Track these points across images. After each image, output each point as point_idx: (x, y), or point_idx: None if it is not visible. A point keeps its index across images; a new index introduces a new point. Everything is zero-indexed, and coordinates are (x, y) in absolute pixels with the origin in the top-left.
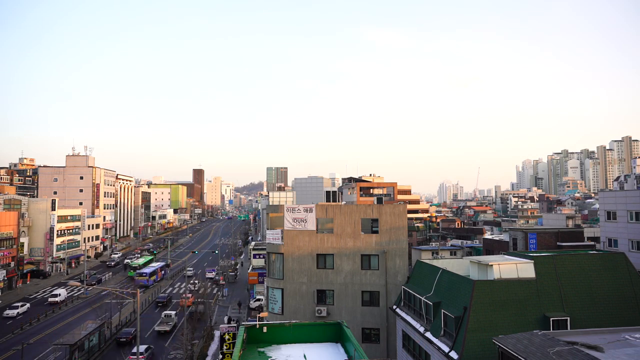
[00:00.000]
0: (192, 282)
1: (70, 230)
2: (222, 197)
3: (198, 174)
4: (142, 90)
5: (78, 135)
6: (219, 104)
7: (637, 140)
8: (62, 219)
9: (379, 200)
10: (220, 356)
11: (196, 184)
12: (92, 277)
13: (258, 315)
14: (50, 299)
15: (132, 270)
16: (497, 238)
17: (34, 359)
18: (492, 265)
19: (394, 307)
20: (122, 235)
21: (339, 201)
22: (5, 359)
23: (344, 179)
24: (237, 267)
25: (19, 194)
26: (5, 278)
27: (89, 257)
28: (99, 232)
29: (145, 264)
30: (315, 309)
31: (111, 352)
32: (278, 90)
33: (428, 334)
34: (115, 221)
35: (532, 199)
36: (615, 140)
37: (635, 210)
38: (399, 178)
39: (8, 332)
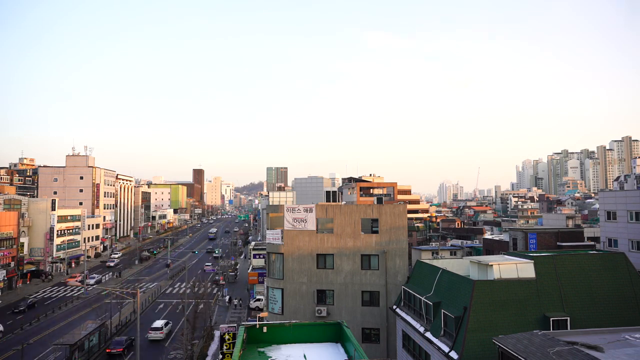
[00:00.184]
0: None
1: (70, 230)
2: (222, 197)
3: (198, 174)
4: (142, 90)
5: (78, 135)
6: (219, 104)
7: (637, 140)
8: (62, 219)
9: (379, 200)
10: (220, 356)
11: (196, 184)
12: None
13: (258, 315)
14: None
15: None
16: (497, 238)
17: (34, 359)
18: (492, 265)
19: (394, 307)
20: (122, 235)
21: (339, 201)
22: (5, 359)
23: (344, 179)
24: (237, 267)
25: (19, 194)
26: (5, 278)
27: (89, 257)
28: (99, 232)
29: None
30: (315, 309)
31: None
32: (278, 90)
33: (428, 334)
34: (115, 221)
35: (532, 199)
36: (615, 140)
37: (635, 210)
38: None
39: (8, 332)
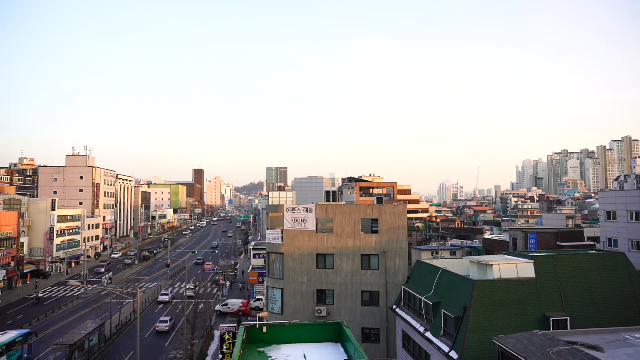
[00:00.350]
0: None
1: (70, 230)
2: (222, 197)
3: (198, 174)
4: (142, 90)
5: (78, 135)
6: (219, 104)
7: (637, 140)
8: (62, 219)
9: (379, 200)
10: (220, 356)
11: (196, 184)
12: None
13: (258, 315)
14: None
15: None
16: (497, 238)
17: (34, 359)
18: (492, 265)
19: (394, 307)
20: (122, 235)
21: (339, 201)
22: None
23: (344, 179)
24: (237, 266)
25: (19, 194)
26: (5, 278)
27: (89, 257)
28: (99, 232)
29: None
30: (315, 309)
31: (111, 352)
32: (278, 91)
33: (428, 334)
34: (115, 221)
35: (532, 199)
36: (615, 140)
37: (635, 210)
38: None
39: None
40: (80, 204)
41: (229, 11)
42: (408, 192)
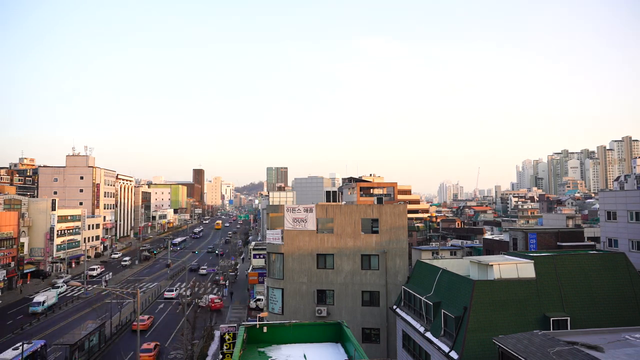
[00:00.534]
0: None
1: (71, 230)
2: (222, 197)
3: (198, 174)
4: (142, 90)
5: (78, 135)
6: (219, 104)
7: (637, 140)
8: (62, 219)
9: (379, 200)
10: (220, 356)
11: (196, 184)
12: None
13: (258, 315)
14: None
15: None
16: (497, 238)
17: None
18: (492, 265)
19: (394, 307)
20: (122, 235)
21: (339, 201)
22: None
23: (344, 179)
24: (237, 266)
25: (19, 194)
26: (6, 278)
27: (89, 257)
28: (99, 232)
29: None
30: (316, 309)
31: (111, 352)
32: (278, 91)
33: (428, 334)
34: (116, 221)
35: (532, 199)
36: (615, 140)
37: (635, 210)
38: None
39: (8, 332)
40: (81, 204)
41: (229, 11)
42: (408, 192)
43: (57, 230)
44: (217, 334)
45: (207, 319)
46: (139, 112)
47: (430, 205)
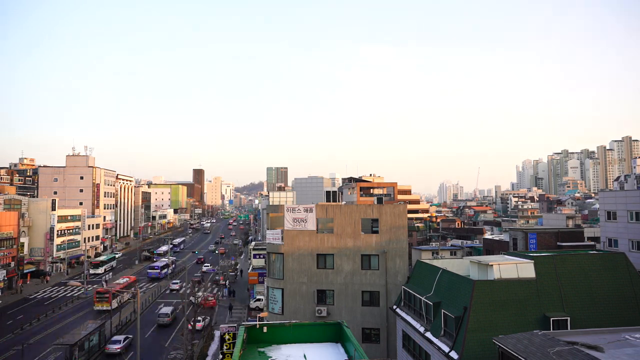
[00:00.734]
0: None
1: (71, 230)
2: (222, 197)
3: (198, 174)
4: (142, 90)
5: (78, 135)
6: (219, 104)
7: (637, 140)
8: (62, 219)
9: (379, 200)
10: (220, 356)
11: (196, 184)
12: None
13: (258, 315)
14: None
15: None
16: (497, 238)
17: (34, 359)
18: (492, 265)
19: (394, 307)
20: (122, 235)
21: (339, 201)
22: (5, 359)
23: (344, 179)
24: (237, 266)
25: (19, 194)
26: (6, 278)
27: (89, 257)
28: (99, 232)
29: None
30: (316, 309)
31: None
32: (278, 91)
33: (428, 334)
34: (116, 221)
35: (532, 199)
36: (615, 140)
37: (635, 210)
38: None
39: (8, 332)
40: (81, 204)
41: (229, 11)
42: (408, 192)
43: (57, 230)
44: (217, 334)
45: (206, 317)
46: (139, 112)
47: (430, 205)
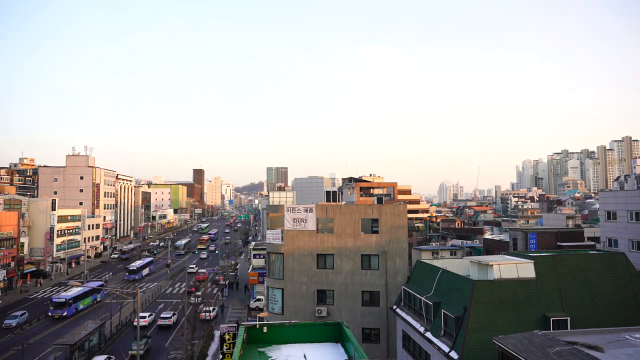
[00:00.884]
0: (192, 281)
1: (71, 230)
2: (222, 197)
3: (198, 174)
4: (142, 90)
5: (78, 135)
6: (219, 104)
7: (637, 140)
8: (62, 219)
9: (379, 200)
10: (220, 356)
11: (196, 184)
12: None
13: (258, 315)
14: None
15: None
16: (497, 238)
17: (34, 359)
18: (492, 265)
19: (394, 307)
20: (122, 235)
21: (339, 201)
22: (5, 359)
23: (344, 179)
24: (237, 266)
25: (19, 194)
26: (5, 278)
27: (89, 257)
28: (99, 232)
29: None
30: (316, 309)
31: (111, 352)
32: (278, 91)
33: (428, 334)
34: (116, 221)
35: (532, 199)
36: (615, 140)
37: (635, 210)
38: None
39: (8, 332)
40: (81, 204)
41: (229, 12)
42: (408, 192)
43: (57, 230)
44: (217, 334)
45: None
46: (139, 112)
47: (430, 205)
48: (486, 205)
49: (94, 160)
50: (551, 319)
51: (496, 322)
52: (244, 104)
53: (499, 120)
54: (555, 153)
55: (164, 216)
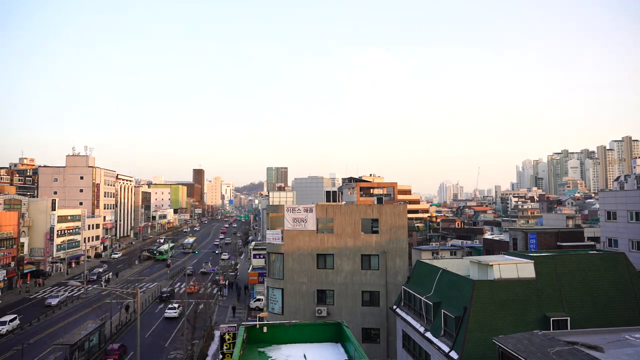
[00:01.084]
0: (192, 282)
1: (71, 230)
2: (222, 197)
3: (198, 174)
4: (142, 90)
5: (78, 135)
6: (219, 105)
7: (637, 140)
8: (62, 219)
9: (379, 200)
10: (220, 356)
11: (196, 184)
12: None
13: (258, 315)
14: None
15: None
16: (497, 238)
17: (34, 359)
18: (492, 265)
19: (394, 307)
20: (122, 235)
21: (339, 201)
22: (5, 359)
23: (344, 179)
24: (237, 266)
25: (19, 194)
26: (6, 278)
27: (89, 257)
28: (99, 232)
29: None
30: (316, 309)
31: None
32: (278, 92)
33: (428, 334)
34: (116, 221)
35: (532, 199)
36: (615, 140)
37: (635, 210)
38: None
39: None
40: (80, 204)
41: (229, 12)
42: (408, 192)
43: (57, 230)
44: (217, 334)
45: (207, 318)
46: (139, 112)
47: (430, 205)
48: (486, 205)
49: (94, 160)
50: (551, 319)
51: (496, 322)
52: (244, 104)
53: (499, 120)
54: (555, 153)
55: (164, 216)
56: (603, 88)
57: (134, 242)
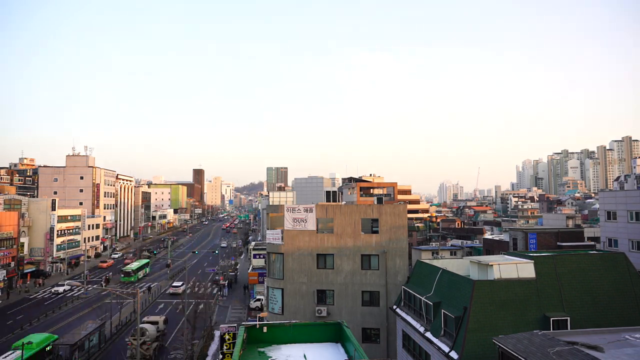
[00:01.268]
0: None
1: (71, 230)
2: (222, 197)
3: (198, 174)
4: (142, 90)
5: (78, 135)
6: (220, 104)
7: (637, 140)
8: (62, 219)
9: (379, 200)
10: (220, 356)
11: (196, 184)
12: None
13: (258, 315)
14: None
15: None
16: (497, 238)
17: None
18: (492, 265)
19: (394, 307)
20: (122, 235)
21: (339, 201)
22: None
23: (344, 179)
24: (237, 266)
25: (19, 194)
26: (6, 278)
27: (89, 257)
28: (99, 232)
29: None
30: (316, 309)
31: (111, 352)
32: (278, 92)
33: (428, 334)
34: (116, 221)
35: (532, 199)
36: (615, 140)
37: (635, 210)
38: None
39: (8, 332)
40: (81, 204)
41: (229, 12)
42: (408, 192)
43: (57, 230)
44: (217, 334)
45: (207, 318)
46: (139, 112)
47: (430, 205)
48: (486, 205)
49: (94, 160)
50: (551, 319)
51: (496, 322)
52: (244, 104)
53: (499, 120)
54: (555, 153)
55: (164, 216)
56: (603, 88)
57: (131, 243)
